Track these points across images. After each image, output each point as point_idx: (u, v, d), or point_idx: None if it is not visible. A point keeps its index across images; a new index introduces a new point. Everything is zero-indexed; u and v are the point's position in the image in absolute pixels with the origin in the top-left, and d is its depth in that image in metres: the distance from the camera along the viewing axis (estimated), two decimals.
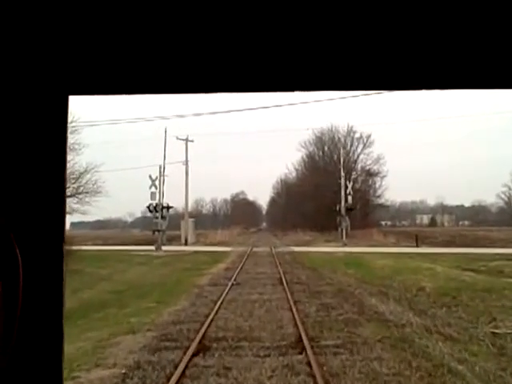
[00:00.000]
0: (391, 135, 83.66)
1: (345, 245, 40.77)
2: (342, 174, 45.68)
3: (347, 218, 42.26)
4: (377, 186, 59.73)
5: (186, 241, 47.39)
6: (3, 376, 0.91)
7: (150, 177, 35.71)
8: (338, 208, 42.83)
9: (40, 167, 0.98)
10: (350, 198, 43.28)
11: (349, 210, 42.66)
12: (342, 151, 53.74)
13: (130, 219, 77.12)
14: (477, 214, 66.10)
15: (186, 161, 48.80)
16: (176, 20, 0.98)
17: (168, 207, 36.24)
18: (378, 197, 61.24)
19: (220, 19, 0.98)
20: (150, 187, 35.76)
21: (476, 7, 0.94)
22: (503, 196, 57.41)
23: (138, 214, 70.05)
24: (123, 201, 68.23)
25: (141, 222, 65.72)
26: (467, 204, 68.86)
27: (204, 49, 0.99)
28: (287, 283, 17.13)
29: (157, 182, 36.16)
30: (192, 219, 56.14)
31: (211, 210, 79.88)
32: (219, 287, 16.55)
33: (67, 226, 1.07)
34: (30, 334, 0.95)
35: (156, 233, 35.27)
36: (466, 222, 66.47)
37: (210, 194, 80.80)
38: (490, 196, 72.28)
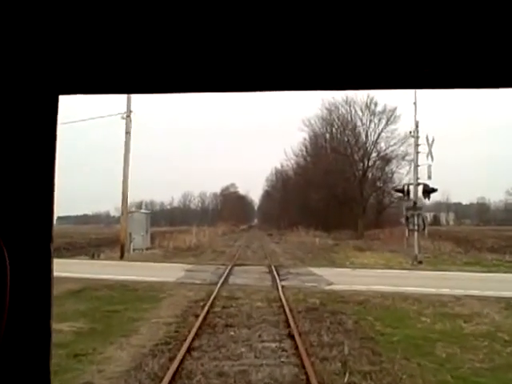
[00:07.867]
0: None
1: (419, 263, 20.30)
2: (417, 134, 24.74)
3: (422, 209, 21.41)
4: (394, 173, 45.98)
5: (123, 250, 26.74)
6: None
7: None
8: (405, 189, 22.02)
9: (29, 167, 0.97)
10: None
11: (427, 192, 21.73)
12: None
13: (117, 214, 71.45)
14: (484, 212, 63.27)
15: (127, 128, 27.14)
16: (166, 18, 0.96)
17: None
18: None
19: (216, 16, 0.96)
20: None
21: (476, 7, 0.95)
22: None
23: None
24: (111, 194, 61.31)
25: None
26: (465, 202, 66.03)
27: (200, 47, 0.98)
28: None
29: None
30: (143, 211, 35.41)
31: (200, 204, 73.27)
32: None
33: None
34: (17, 335, 0.95)
35: None
36: (468, 221, 62.57)
37: (200, 187, 73.12)
38: (490, 193, 64.46)
